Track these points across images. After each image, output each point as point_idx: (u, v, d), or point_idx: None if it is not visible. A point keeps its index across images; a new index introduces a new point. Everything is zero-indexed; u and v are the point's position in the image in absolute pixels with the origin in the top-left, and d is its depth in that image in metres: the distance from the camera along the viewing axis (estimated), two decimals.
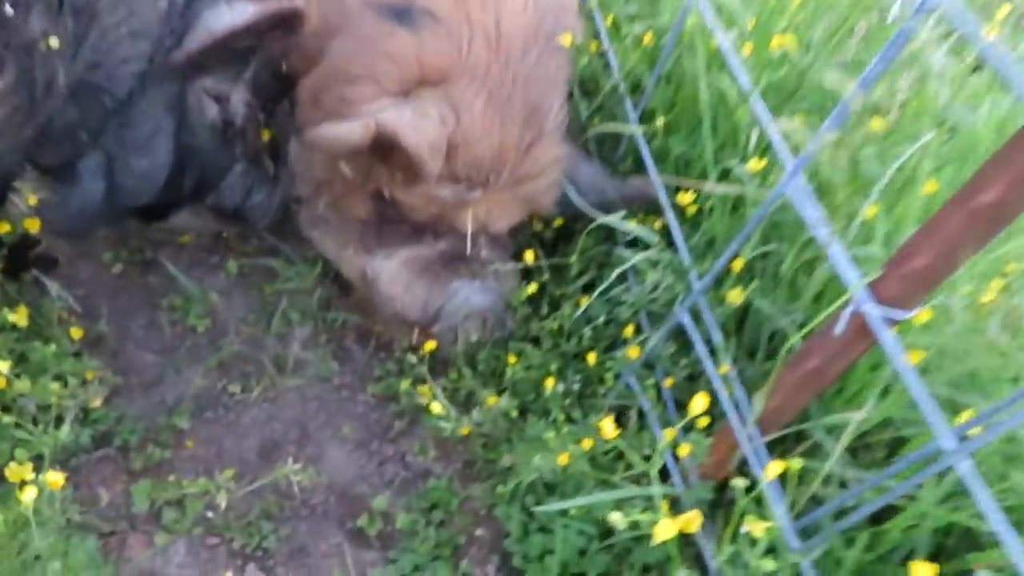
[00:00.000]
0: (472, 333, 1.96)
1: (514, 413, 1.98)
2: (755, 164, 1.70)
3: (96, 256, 2.13)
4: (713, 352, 1.77)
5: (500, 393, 2.08)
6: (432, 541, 1.91)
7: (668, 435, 1.68)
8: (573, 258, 2.16)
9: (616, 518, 1.26)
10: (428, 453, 2.08)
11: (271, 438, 2.00)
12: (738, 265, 1.74)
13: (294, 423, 2.04)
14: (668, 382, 1.88)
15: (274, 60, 1.92)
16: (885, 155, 1.77)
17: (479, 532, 2.00)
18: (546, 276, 2.15)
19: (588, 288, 2.18)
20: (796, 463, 1.29)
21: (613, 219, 1.76)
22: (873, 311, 1.28)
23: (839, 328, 1.36)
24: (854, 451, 1.74)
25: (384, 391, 2.14)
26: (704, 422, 1.62)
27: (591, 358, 1.88)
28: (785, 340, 1.88)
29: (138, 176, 1.79)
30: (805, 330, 1.59)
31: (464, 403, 2.06)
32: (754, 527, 1.35)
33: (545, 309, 2.15)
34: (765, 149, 1.92)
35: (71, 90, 1.59)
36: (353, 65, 1.87)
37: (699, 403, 1.32)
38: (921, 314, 1.31)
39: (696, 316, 1.82)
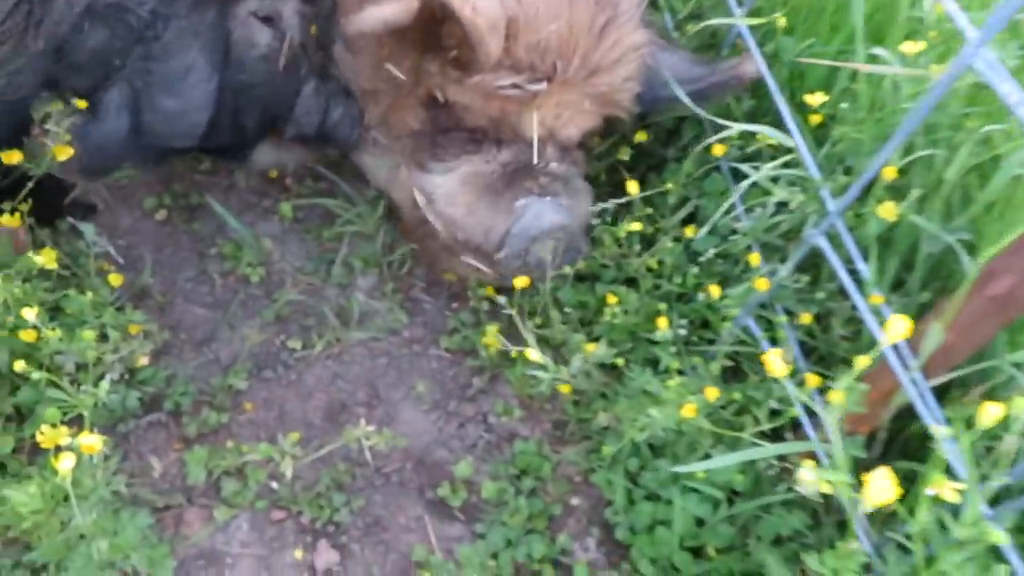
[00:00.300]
0: (545, 259, 1.67)
1: (620, 362, 1.71)
2: (911, 47, 1.39)
3: (137, 202, 1.92)
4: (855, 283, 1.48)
5: (594, 342, 1.82)
6: (524, 512, 1.68)
7: (812, 380, 1.41)
8: (669, 185, 1.88)
9: (807, 478, 0.98)
10: (513, 413, 1.83)
11: (337, 399, 1.78)
12: (890, 174, 1.43)
13: (362, 381, 1.81)
14: (806, 318, 1.59)
15: None
16: None
17: (576, 501, 1.76)
18: (648, 210, 1.86)
19: (685, 221, 1.90)
20: (1020, 402, 1.00)
21: (743, 126, 1.46)
22: None
23: None
24: None
25: (460, 344, 1.90)
26: (865, 362, 1.33)
27: (714, 291, 1.59)
28: (943, 266, 1.59)
29: (167, 117, 1.56)
30: (986, 246, 1.29)
31: (552, 359, 1.80)
32: (943, 487, 1.07)
33: (638, 246, 1.87)
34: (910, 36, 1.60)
35: (91, 7, 1.37)
36: None
37: (898, 327, 1.02)
38: None
39: (830, 242, 1.53)
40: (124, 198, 1.92)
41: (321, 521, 1.61)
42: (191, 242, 1.90)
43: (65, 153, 1.50)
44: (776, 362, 1.15)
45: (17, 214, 1.55)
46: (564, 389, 1.72)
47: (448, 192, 1.70)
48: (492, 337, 1.79)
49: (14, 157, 1.49)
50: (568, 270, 1.78)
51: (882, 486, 0.91)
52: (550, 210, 1.66)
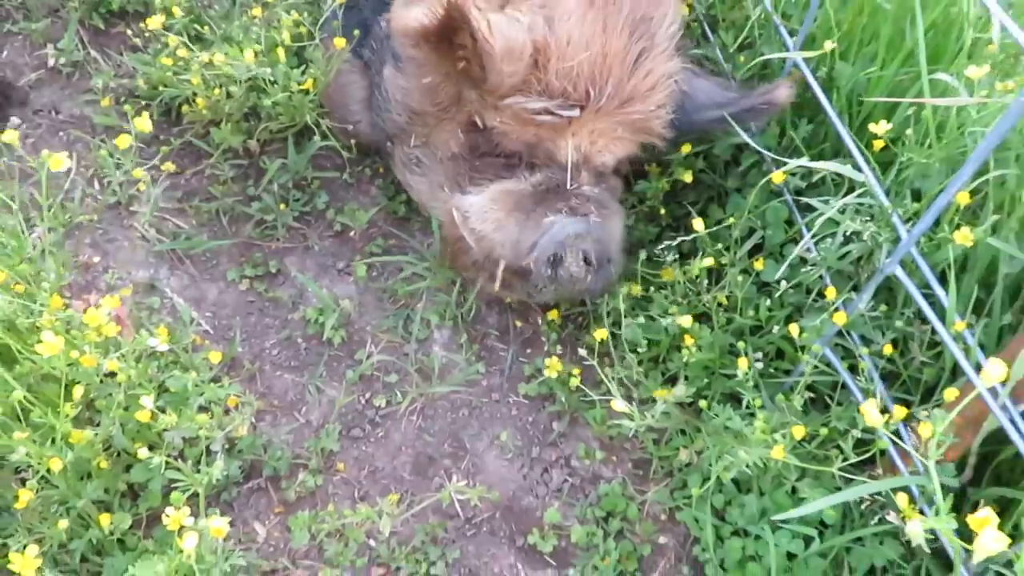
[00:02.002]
0: (575, 273, 1.67)
1: (703, 404, 1.73)
2: (975, 72, 1.38)
3: (221, 274, 2.01)
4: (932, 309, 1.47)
5: (670, 381, 1.84)
6: (613, 554, 1.70)
7: (899, 412, 1.40)
8: (732, 219, 1.89)
9: (915, 532, 0.99)
10: (595, 455, 1.86)
11: (424, 452, 1.83)
12: (963, 199, 1.42)
13: (446, 434, 1.86)
14: (887, 349, 1.58)
15: None
16: None
17: (663, 540, 1.77)
18: (716, 244, 1.87)
19: (751, 253, 1.90)
20: None
21: (803, 162, 1.47)
22: None
23: None
24: None
25: (537, 391, 1.94)
26: (952, 394, 1.32)
27: (792, 329, 1.59)
28: (1022, 287, 1.57)
29: None
30: None
31: (628, 398, 1.82)
32: None
33: (706, 281, 1.88)
34: (971, 58, 1.59)
35: None
36: None
37: (994, 370, 1.02)
38: None
39: (905, 269, 1.52)
40: (208, 270, 2.02)
41: (419, 575, 1.66)
42: (274, 309, 1.99)
43: None
44: (872, 412, 1.15)
45: None
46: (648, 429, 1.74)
47: (480, 208, 1.75)
48: (571, 379, 1.82)
49: None
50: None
51: (992, 536, 0.91)
52: (577, 222, 1.68)
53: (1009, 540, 0.98)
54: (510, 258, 1.73)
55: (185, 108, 2.12)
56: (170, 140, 2.16)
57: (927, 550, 1.26)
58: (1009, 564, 1.35)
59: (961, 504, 1.55)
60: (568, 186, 1.73)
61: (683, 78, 1.80)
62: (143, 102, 2.20)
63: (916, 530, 1.01)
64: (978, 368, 1.41)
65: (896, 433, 1.53)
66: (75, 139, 2.18)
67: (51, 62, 2.32)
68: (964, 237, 1.43)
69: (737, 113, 1.76)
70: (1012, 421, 1.35)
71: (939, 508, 1.06)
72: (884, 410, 1.44)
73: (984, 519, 0.97)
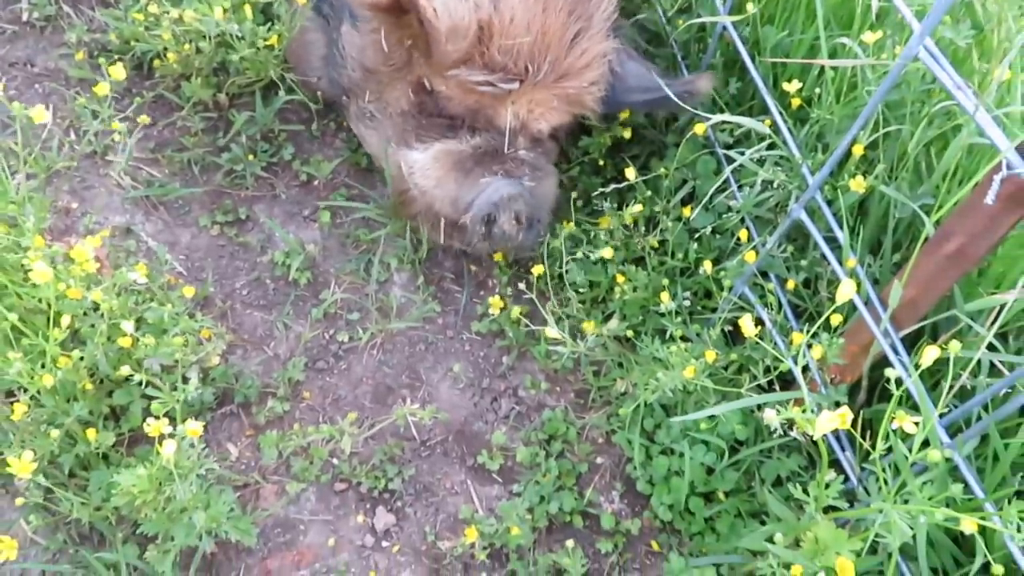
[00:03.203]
0: (507, 231, 1.85)
1: (627, 333, 1.92)
2: (871, 37, 1.56)
3: (193, 220, 2.15)
4: (835, 250, 1.66)
5: (608, 318, 2.02)
6: (554, 472, 1.89)
7: (797, 338, 1.59)
8: (663, 169, 2.06)
9: (771, 416, 1.19)
10: (540, 386, 2.04)
11: (384, 383, 2.00)
12: (858, 151, 1.60)
13: (404, 366, 2.04)
14: (789, 284, 1.77)
15: None
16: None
17: (600, 460, 1.97)
18: (647, 193, 2.05)
19: (685, 202, 2.08)
20: (955, 345, 1.19)
21: (723, 116, 1.64)
22: None
23: (989, 197, 1.23)
24: (1003, 340, 1.61)
25: (488, 328, 2.11)
26: (836, 320, 1.52)
27: (707, 266, 1.78)
28: (912, 229, 1.76)
29: None
30: (945, 209, 1.46)
31: (572, 334, 2.00)
32: (904, 421, 1.25)
33: (643, 227, 2.06)
34: (877, 22, 1.76)
35: None
36: None
37: (846, 289, 1.21)
38: None
39: (812, 214, 1.71)
40: (181, 216, 2.16)
41: (378, 489, 1.85)
42: (244, 252, 2.13)
43: None
44: (748, 324, 1.33)
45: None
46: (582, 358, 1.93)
47: (423, 166, 1.91)
48: (517, 316, 2.00)
49: None
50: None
51: (832, 418, 1.10)
52: (510, 185, 1.84)
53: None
54: (448, 213, 1.90)
55: (157, 63, 2.23)
56: (143, 93, 2.28)
57: (807, 441, 1.46)
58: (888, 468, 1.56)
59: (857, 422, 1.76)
60: (505, 150, 1.89)
61: (617, 60, 1.94)
62: (116, 56, 2.30)
63: (770, 414, 1.20)
64: (867, 301, 1.62)
65: (805, 365, 1.73)
66: (51, 91, 2.29)
67: (24, 16, 2.41)
68: (858, 184, 1.62)
69: (663, 99, 1.91)
70: (892, 346, 1.55)
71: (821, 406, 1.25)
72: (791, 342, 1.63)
73: (843, 415, 1.17)
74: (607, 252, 1.92)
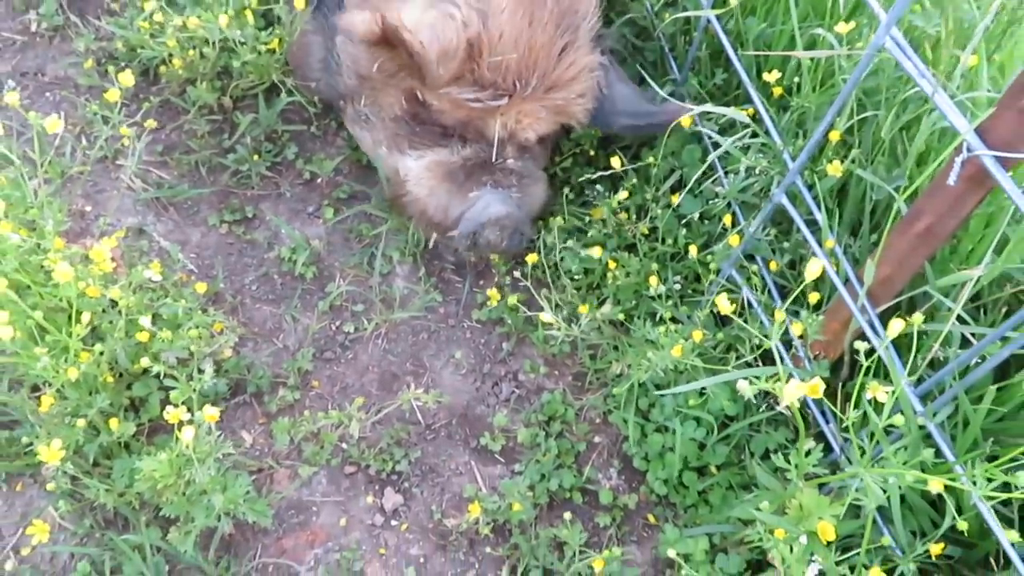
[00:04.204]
0: (491, 241, 1.93)
1: (620, 317, 2.00)
2: (843, 27, 1.63)
3: (202, 219, 2.24)
4: (815, 232, 1.74)
5: (602, 303, 2.10)
6: (554, 451, 1.98)
7: (778, 316, 1.68)
8: (651, 159, 2.14)
9: (743, 386, 1.27)
10: (539, 370, 2.13)
11: (389, 370, 2.09)
12: (835, 136, 1.68)
13: (408, 354, 2.13)
14: (773, 266, 1.85)
15: None
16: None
17: (598, 439, 2.05)
18: (633, 181, 2.14)
19: (675, 189, 2.16)
20: (918, 318, 1.27)
21: (705, 107, 1.72)
22: (986, 153, 1.23)
23: (952, 178, 1.31)
24: (973, 313, 1.69)
25: (488, 316, 2.20)
26: (814, 298, 1.60)
27: (693, 250, 1.87)
28: (889, 210, 1.84)
29: None
30: (912, 188, 1.54)
31: (568, 319, 2.09)
32: (877, 391, 1.34)
33: (634, 215, 2.14)
34: (852, 13, 1.84)
35: None
36: None
37: (815, 267, 1.29)
38: None
39: (794, 199, 1.79)
40: (190, 216, 2.25)
41: (386, 471, 1.94)
42: (252, 249, 2.22)
43: None
44: (724, 302, 1.42)
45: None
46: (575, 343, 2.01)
47: (417, 175, 2.00)
48: (515, 303, 2.08)
49: None
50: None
51: (800, 386, 1.19)
52: (499, 201, 1.91)
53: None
54: (441, 220, 1.99)
55: (162, 68, 2.32)
56: (149, 98, 2.36)
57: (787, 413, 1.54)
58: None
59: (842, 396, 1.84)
60: (494, 159, 1.97)
61: (607, 80, 2.02)
62: (123, 63, 2.39)
63: (743, 385, 1.28)
64: (846, 280, 1.70)
65: (788, 341, 1.81)
66: (61, 99, 2.38)
67: (33, 27, 2.49)
68: (835, 168, 1.70)
69: (643, 126, 2.01)
70: (870, 322, 1.63)
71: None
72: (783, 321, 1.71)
73: (814, 385, 1.25)
74: (596, 251, 2.00)
